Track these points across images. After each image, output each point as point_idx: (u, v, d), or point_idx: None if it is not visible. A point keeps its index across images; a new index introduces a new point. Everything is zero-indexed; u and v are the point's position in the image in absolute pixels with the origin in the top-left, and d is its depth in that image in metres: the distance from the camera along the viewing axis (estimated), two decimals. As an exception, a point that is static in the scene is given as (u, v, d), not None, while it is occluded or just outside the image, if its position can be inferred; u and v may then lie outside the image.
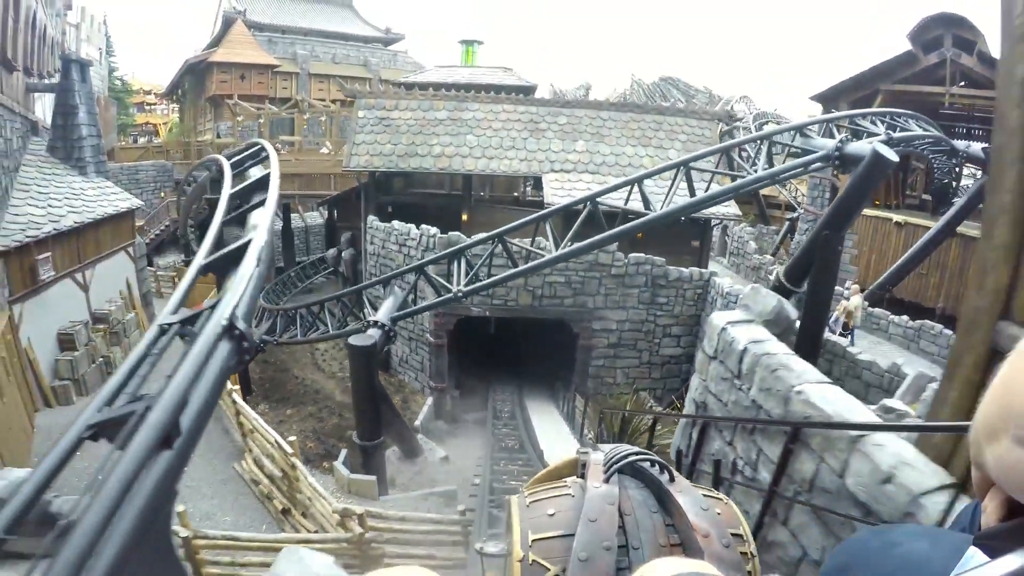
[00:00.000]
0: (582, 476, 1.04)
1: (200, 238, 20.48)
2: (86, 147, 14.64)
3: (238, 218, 6.44)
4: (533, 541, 0.90)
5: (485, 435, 12.31)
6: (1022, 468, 0.54)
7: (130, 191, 17.19)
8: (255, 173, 8.90)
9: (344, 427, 12.01)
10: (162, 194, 26.87)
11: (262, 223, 4.93)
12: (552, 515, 0.94)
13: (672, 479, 0.99)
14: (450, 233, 13.06)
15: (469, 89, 17.33)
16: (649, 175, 8.91)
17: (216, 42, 38.69)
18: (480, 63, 26.89)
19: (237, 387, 10.55)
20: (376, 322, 9.24)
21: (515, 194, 17.32)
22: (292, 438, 7.85)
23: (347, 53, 43.27)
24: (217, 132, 32.88)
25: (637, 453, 1.03)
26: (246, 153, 9.56)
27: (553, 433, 11.83)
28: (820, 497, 3.19)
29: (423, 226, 13.71)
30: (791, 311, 4.98)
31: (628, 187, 9.37)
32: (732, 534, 0.91)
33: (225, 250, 4.46)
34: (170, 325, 2.84)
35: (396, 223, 14.54)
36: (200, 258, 4.11)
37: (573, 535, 0.88)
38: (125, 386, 2.48)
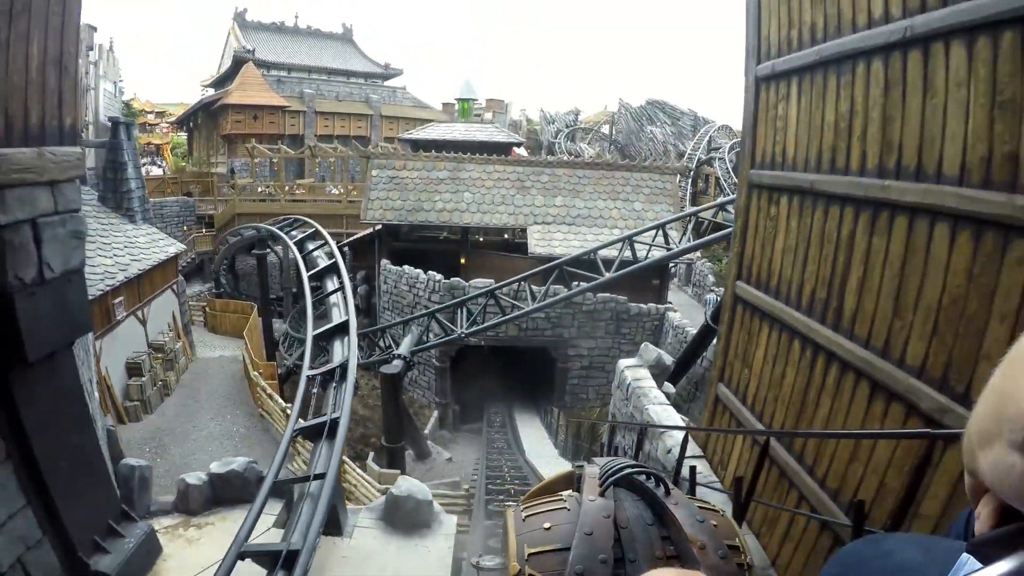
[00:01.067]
0: (577, 490, 1.05)
1: (231, 277, 23.33)
2: (134, 198, 17.31)
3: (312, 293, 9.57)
4: (529, 555, 0.91)
5: (480, 441, 15.34)
6: (1016, 473, 0.53)
7: (156, 225, 19.67)
8: (307, 244, 12.04)
9: (368, 435, 15.02)
10: (185, 228, 29.63)
11: (349, 310, 7.91)
12: (548, 529, 0.95)
13: (668, 492, 1.00)
14: (452, 279, 16.20)
15: (465, 147, 20.51)
16: (601, 248, 12.11)
17: (225, 79, 41.86)
18: (478, 94, 30.23)
19: (290, 405, 13.58)
20: (400, 355, 12.35)
21: (505, 236, 20.39)
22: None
23: (350, 91, 46.60)
24: (231, 168, 35.69)
25: (632, 466, 1.05)
26: (299, 231, 12.66)
27: (535, 438, 14.90)
28: (651, 463, 6.31)
29: (429, 272, 16.84)
30: (667, 359, 8.09)
31: (590, 251, 12.55)
32: (728, 545, 0.92)
33: (325, 327, 7.59)
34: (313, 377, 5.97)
35: (407, 268, 17.64)
36: (307, 369, 6.79)
37: (569, 549, 0.88)
38: (304, 412, 5.59)
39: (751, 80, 4.97)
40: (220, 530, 5.42)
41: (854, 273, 3.38)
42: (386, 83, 51.46)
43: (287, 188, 30.10)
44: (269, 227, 15.14)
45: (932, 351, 2.69)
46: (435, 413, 16.85)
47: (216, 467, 5.76)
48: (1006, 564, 0.54)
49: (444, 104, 49.73)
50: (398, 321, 14.35)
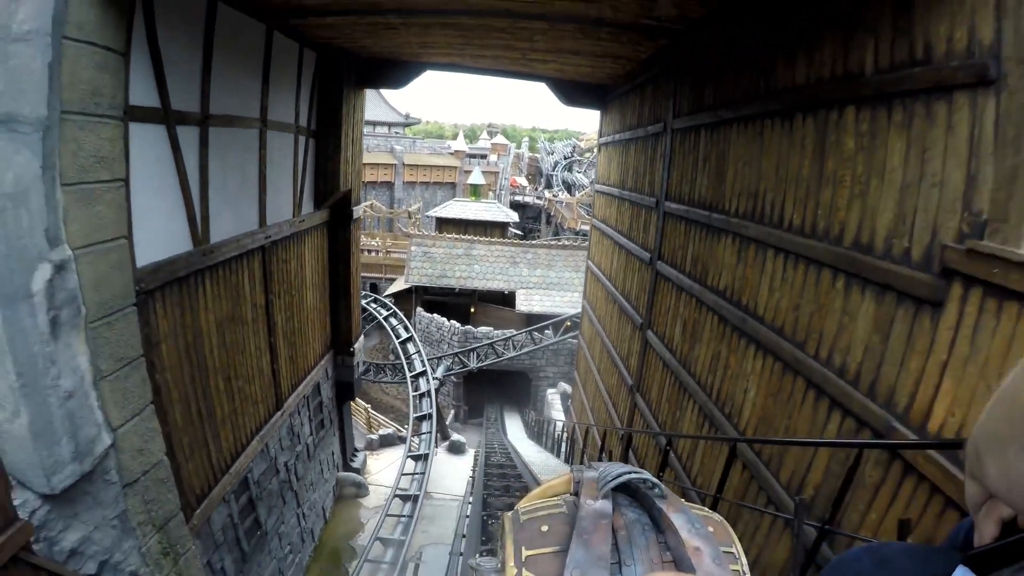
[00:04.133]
0: (576, 494, 1.04)
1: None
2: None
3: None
4: (526, 557, 0.92)
5: (481, 430, 24.56)
6: None
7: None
8: (391, 319, 21.38)
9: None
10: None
11: (424, 360, 17.19)
12: (545, 531, 0.96)
13: (664, 496, 1.00)
14: (466, 326, 25.51)
15: (475, 224, 29.80)
16: (541, 327, 21.42)
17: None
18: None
19: (368, 405, 22.84)
20: (437, 377, 21.58)
21: (504, 294, 29.64)
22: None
23: (377, 143, 55.50)
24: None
25: (630, 471, 1.03)
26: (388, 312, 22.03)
27: (515, 428, 24.07)
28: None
29: (451, 321, 26.14)
30: (568, 388, 17.15)
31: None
32: (724, 552, 0.93)
33: (417, 372, 16.89)
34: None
35: (436, 315, 26.90)
36: (411, 391, 16.28)
37: (566, 551, 0.89)
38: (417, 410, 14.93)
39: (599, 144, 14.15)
40: (386, 455, 14.75)
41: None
42: (406, 130, 60.74)
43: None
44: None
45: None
46: (452, 412, 26.08)
47: (381, 432, 15.08)
48: None
49: (455, 151, 59.08)
50: (433, 357, 23.72)
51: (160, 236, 5.76)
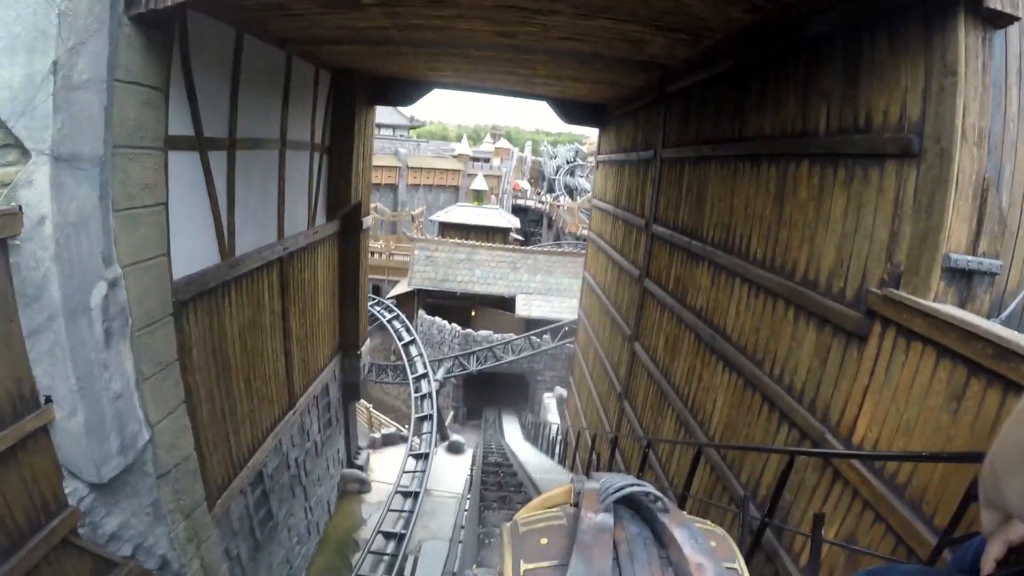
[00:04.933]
0: (576, 505, 1.03)
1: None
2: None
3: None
4: (524, 572, 0.91)
5: (479, 432, 25.14)
6: None
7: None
8: (394, 323, 22.01)
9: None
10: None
11: (426, 363, 17.83)
12: (545, 544, 0.95)
13: (667, 510, 0.99)
14: (466, 329, 26.12)
15: (478, 228, 30.46)
16: (540, 331, 22.03)
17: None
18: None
19: (370, 405, 23.45)
20: (437, 380, 22.18)
21: (504, 298, 30.22)
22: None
23: (382, 145, 55.83)
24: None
25: (632, 484, 1.02)
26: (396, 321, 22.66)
27: (513, 431, 24.68)
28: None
29: (452, 324, 26.75)
30: (564, 392, 17.78)
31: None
32: (727, 567, 0.92)
33: (419, 373, 17.51)
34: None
35: (437, 318, 27.50)
36: (413, 392, 16.92)
37: (566, 565, 0.88)
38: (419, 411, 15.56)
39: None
40: (388, 454, 15.36)
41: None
42: (410, 132, 61.29)
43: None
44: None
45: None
46: (451, 413, 26.67)
47: (384, 431, 15.70)
48: None
49: (459, 154, 59.63)
50: (435, 359, 24.35)
51: (193, 251, 6.36)
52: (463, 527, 10.12)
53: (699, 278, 6.25)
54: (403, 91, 11.84)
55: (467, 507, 11.14)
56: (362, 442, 15.10)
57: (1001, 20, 3.18)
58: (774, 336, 4.60)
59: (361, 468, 13.54)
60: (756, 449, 4.40)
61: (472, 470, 14.16)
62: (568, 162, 69.71)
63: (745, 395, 4.91)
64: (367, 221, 12.39)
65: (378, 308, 25.98)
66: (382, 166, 53.50)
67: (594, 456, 9.69)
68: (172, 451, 5.82)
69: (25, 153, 3.95)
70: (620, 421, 8.98)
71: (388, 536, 10.43)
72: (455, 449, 16.54)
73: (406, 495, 11.99)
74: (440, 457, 15.23)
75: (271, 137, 8.22)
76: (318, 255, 10.37)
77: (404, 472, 12.81)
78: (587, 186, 57.18)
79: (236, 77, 7.06)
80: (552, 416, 17.46)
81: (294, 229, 9.12)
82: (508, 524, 1.05)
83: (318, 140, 10.11)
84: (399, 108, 60.83)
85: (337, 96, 10.71)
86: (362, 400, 21.11)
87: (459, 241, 29.28)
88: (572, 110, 12.80)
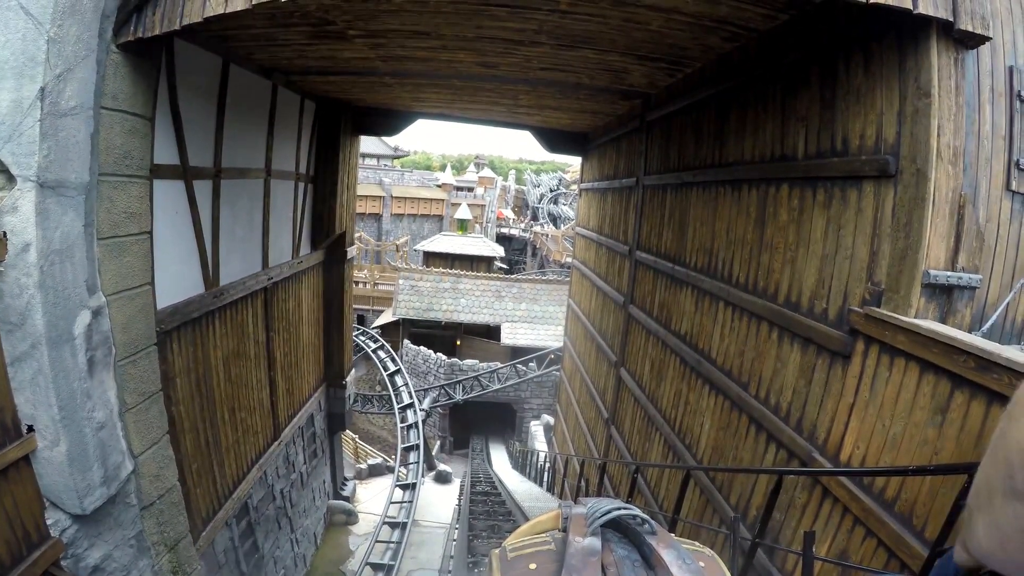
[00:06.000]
0: (564, 530, 1.03)
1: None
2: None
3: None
4: None
5: (467, 461, 24.91)
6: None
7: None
8: (379, 352, 21.88)
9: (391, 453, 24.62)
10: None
11: (412, 392, 17.72)
12: (533, 569, 0.95)
13: (655, 532, 1.00)
14: (451, 359, 26.00)
15: (462, 258, 30.51)
16: (526, 360, 22.01)
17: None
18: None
19: (355, 436, 23.17)
20: (423, 409, 22.01)
21: (489, 326, 30.19)
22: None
23: (366, 175, 56.25)
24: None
25: (619, 507, 1.03)
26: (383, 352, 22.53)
27: (501, 460, 24.47)
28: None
29: (438, 353, 26.63)
30: (551, 419, 17.72)
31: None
32: None
33: (405, 403, 17.38)
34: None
35: (422, 348, 27.37)
36: (399, 422, 16.81)
37: None
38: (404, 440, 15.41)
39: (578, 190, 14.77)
40: (375, 484, 15.15)
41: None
42: (394, 162, 61.78)
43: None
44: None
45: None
46: (437, 443, 26.41)
47: (370, 462, 15.50)
48: None
49: (443, 184, 60.06)
50: (421, 388, 24.19)
51: (177, 281, 6.33)
52: (452, 557, 9.98)
53: (683, 303, 6.31)
54: (388, 121, 11.95)
55: (456, 537, 11.01)
56: (348, 473, 14.89)
57: (973, 41, 3.30)
58: (759, 358, 4.65)
59: (347, 499, 13.33)
60: (744, 471, 4.42)
61: (460, 500, 14.01)
62: (551, 190, 70.36)
63: (732, 417, 4.94)
64: (351, 251, 12.39)
65: (363, 338, 25.84)
66: (366, 196, 53.74)
67: (582, 483, 9.63)
68: (156, 482, 5.73)
69: (11, 179, 3.93)
70: (608, 447, 8.96)
71: (376, 567, 10.24)
72: (443, 479, 16.36)
73: (394, 526, 11.81)
74: (428, 487, 15.05)
75: (256, 167, 8.24)
76: (302, 285, 10.34)
77: (391, 502, 12.62)
78: (571, 214, 57.64)
79: (222, 106, 7.10)
80: (539, 444, 17.37)
81: (279, 259, 9.10)
82: (496, 551, 1.05)
83: (303, 170, 10.15)
84: (383, 138, 61.49)
85: (322, 126, 10.78)
86: (348, 431, 20.95)
87: (443, 270, 29.30)
88: (555, 139, 12.98)
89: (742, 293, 4.97)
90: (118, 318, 5.12)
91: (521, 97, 9.25)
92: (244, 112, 7.74)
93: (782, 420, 4.23)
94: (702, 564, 0.96)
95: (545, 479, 15.17)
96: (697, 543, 1.08)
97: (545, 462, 15.72)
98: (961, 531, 0.67)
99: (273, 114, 8.63)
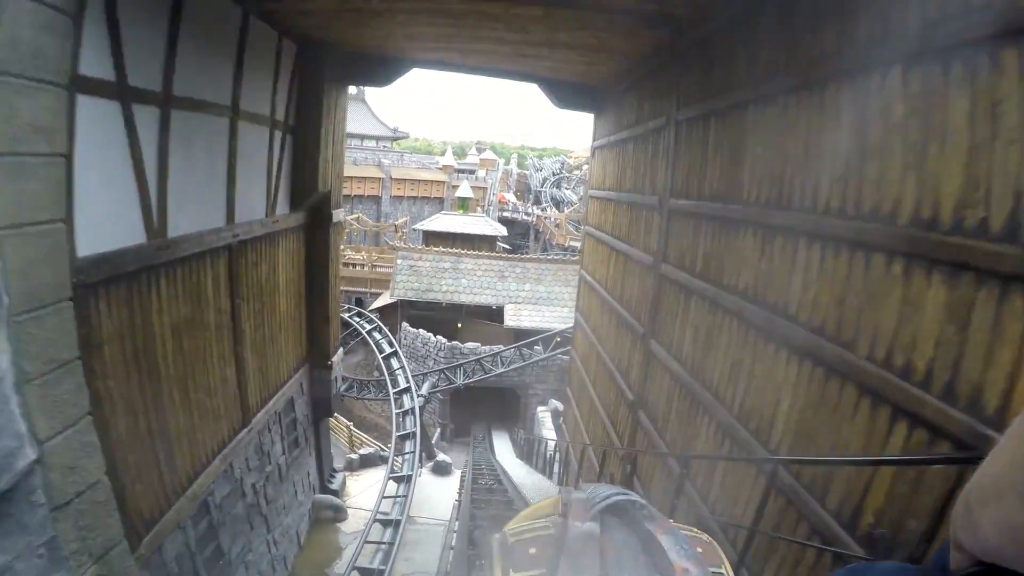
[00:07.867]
0: (564, 515, 1.05)
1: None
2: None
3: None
4: None
5: (468, 449, 23.72)
6: None
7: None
8: (374, 333, 20.62)
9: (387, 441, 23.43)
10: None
11: (408, 376, 16.49)
12: (534, 553, 0.99)
13: (653, 518, 1.02)
14: (452, 342, 24.75)
15: (464, 237, 29.19)
16: (530, 342, 20.74)
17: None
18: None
19: (351, 423, 21.98)
20: (422, 394, 20.78)
21: (491, 308, 28.95)
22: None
23: (365, 156, 54.90)
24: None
25: (618, 493, 1.07)
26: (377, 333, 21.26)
27: (505, 449, 23.30)
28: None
29: (438, 336, 25.39)
30: (561, 406, 16.50)
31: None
32: (713, 572, 0.97)
33: (401, 388, 16.14)
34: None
35: (422, 331, 26.13)
36: (394, 409, 15.59)
37: (555, 573, 0.89)
38: (400, 428, 14.17)
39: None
40: (366, 475, 13.94)
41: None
42: (394, 144, 60.32)
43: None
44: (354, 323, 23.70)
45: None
46: (438, 430, 25.21)
47: (362, 451, 14.28)
48: None
49: (444, 166, 58.64)
50: (420, 372, 22.95)
51: (108, 225, 5.09)
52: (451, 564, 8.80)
53: (741, 249, 5.03)
54: (378, 69, 10.64)
55: (456, 529, 9.84)
56: (338, 463, 13.69)
57: None
58: (871, 305, 3.37)
59: (336, 493, 12.12)
60: (866, 463, 3.14)
61: (460, 494, 12.84)
62: (554, 174, 69.78)
63: (827, 389, 3.66)
64: (339, 214, 11.10)
65: (358, 319, 24.58)
66: (365, 177, 52.58)
67: (605, 479, 8.40)
68: (72, 476, 4.48)
69: None
70: (634, 435, 7.70)
71: (364, 572, 9.02)
72: (441, 470, 15.06)
73: (386, 523, 10.58)
74: (425, 479, 13.82)
75: (219, 102, 6.96)
76: (279, 248, 9.06)
77: (384, 497, 11.38)
78: (573, 198, 56.57)
79: (176, 24, 5.84)
80: (547, 431, 16.08)
81: (249, 216, 7.83)
82: (498, 536, 1.16)
83: (280, 117, 8.86)
84: (382, 119, 60.24)
85: (304, 71, 9.49)
86: (340, 418, 19.76)
87: (444, 250, 28.03)
88: (565, 94, 11.69)
89: (838, 220, 3.69)
90: (15, 260, 3.87)
91: (531, 28, 7.96)
92: (206, 37, 6.51)
93: (918, 387, 2.95)
94: (700, 549, 1.05)
95: (555, 471, 13.92)
96: (695, 528, 1.22)
97: (554, 451, 14.48)
98: (954, 530, 0.62)
99: (243, 46, 7.36)
